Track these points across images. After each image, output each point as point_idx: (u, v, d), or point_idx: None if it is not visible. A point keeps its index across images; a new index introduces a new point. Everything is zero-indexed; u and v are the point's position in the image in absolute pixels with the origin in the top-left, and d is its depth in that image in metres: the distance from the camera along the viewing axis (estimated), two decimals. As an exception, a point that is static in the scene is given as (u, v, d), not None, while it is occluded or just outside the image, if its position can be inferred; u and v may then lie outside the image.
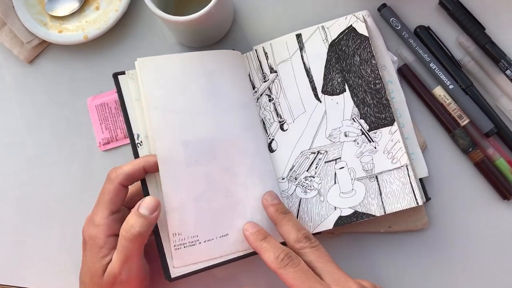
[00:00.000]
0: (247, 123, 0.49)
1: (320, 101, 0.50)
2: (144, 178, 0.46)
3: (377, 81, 0.48)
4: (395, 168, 0.47)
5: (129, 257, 0.42)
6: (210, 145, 0.47)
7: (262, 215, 0.47)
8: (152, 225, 0.43)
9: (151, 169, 0.45)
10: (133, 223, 0.41)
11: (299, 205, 0.49)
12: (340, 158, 0.48)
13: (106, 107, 0.54)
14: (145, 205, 0.43)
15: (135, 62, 0.47)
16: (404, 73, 0.51)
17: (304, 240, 0.42)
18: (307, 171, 0.49)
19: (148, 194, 0.45)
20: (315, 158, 0.49)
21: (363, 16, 0.50)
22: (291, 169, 0.49)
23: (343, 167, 0.48)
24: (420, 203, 0.46)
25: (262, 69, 0.51)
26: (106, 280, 0.42)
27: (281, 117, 0.50)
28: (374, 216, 0.47)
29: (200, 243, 0.45)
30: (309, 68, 0.50)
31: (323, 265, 0.40)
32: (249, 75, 0.52)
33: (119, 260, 0.42)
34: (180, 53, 0.48)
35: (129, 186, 0.48)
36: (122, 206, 0.46)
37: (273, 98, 0.51)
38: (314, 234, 0.48)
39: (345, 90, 0.49)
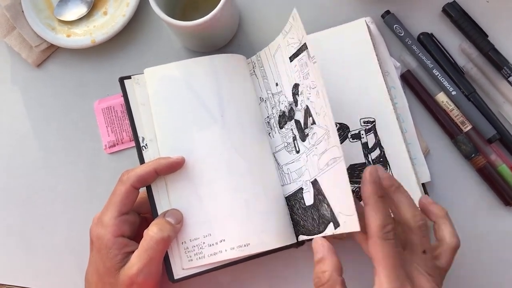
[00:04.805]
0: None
1: None
2: (149, 185, 0.46)
3: None
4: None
5: (152, 259, 0.42)
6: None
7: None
8: (176, 233, 0.45)
9: (163, 172, 0.45)
10: (161, 227, 0.43)
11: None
12: None
13: (112, 110, 0.55)
14: (171, 215, 0.45)
15: (144, 70, 0.48)
16: (407, 79, 0.51)
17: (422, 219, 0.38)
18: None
19: (153, 197, 0.46)
20: None
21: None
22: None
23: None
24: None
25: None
26: (122, 280, 0.42)
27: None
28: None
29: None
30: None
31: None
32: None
33: (141, 262, 0.42)
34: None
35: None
36: (132, 209, 0.46)
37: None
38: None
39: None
